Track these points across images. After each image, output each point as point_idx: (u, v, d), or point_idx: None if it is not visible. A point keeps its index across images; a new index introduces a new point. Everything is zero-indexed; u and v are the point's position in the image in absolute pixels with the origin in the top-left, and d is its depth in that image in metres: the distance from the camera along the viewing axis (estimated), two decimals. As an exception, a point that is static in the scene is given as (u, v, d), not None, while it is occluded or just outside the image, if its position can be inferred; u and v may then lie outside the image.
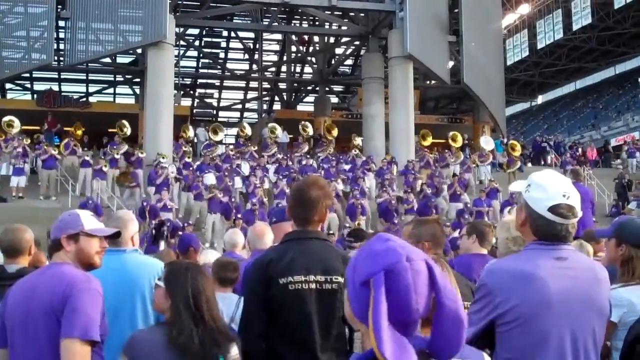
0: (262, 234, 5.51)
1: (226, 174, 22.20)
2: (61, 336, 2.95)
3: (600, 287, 2.71)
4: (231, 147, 28.95)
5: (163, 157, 23.14)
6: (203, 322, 3.08)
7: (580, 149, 36.02)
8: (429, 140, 28.89)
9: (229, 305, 4.39)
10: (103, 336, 3.10)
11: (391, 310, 1.64)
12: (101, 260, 3.35)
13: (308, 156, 26.26)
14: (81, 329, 2.95)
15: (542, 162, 33.21)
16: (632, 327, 3.16)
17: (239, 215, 19.21)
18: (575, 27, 47.72)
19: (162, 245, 15.87)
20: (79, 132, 26.13)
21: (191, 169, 22.98)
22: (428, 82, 37.14)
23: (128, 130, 26.27)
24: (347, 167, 25.02)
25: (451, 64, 30.08)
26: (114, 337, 3.26)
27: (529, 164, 31.54)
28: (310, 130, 29.85)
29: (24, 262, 4.19)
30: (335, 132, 30.16)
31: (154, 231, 17.45)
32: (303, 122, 29.84)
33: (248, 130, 29.71)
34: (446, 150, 27.98)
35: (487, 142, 28.72)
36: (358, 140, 28.92)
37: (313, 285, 3.45)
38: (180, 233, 17.20)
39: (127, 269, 3.87)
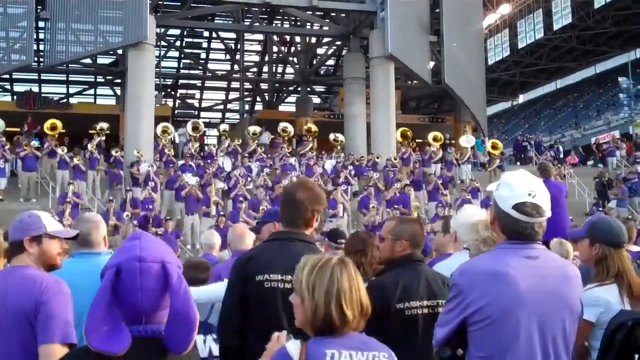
0: (242, 235, 5.52)
1: (207, 169, 22.12)
2: (39, 342, 2.92)
3: (571, 285, 2.73)
4: (213, 145, 28.96)
5: (138, 152, 23.06)
6: None
7: (559, 148, 36.26)
8: (409, 138, 28.94)
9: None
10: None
11: (120, 301, 1.92)
12: (62, 261, 3.33)
13: (289, 155, 26.25)
14: (60, 334, 2.93)
15: (522, 162, 33.36)
16: (612, 318, 3.19)
17: (222, 213, 19.23)
18: (555, 27, 48.04)
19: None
20: (56, 131, 25.86)
21: (172, 166, 22.92)
22: (409, 82, 37.18)
23: (105, 126, 26.30)
24: (329, 165, 25.03)
25: (432, 64, 30.14)
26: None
27: (517, 163, 31.77)
28: (291, 132, 29.84)
29: (-2, 265, 4.15)
30: (314, 130, 30.12)
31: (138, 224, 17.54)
32: (283, 125, 29.80)
33: (226, 127, 30.01)
34: (427, 146, 28.06)
35: (467, 141, 28.87)
36: (340, 137, 28.83)
37: (289, 285, 3.40)
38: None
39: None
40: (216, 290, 4.35)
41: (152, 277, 1.91)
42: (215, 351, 4.05)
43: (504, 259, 2.67)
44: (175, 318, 1.90)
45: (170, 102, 42.26)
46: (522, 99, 70.60)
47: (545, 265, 2.71)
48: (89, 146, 24.15)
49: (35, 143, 23.63)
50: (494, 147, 28.54)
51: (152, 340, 1.95)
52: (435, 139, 28.06)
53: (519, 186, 2.74)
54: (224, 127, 30.28)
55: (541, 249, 2.75)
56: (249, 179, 22.84)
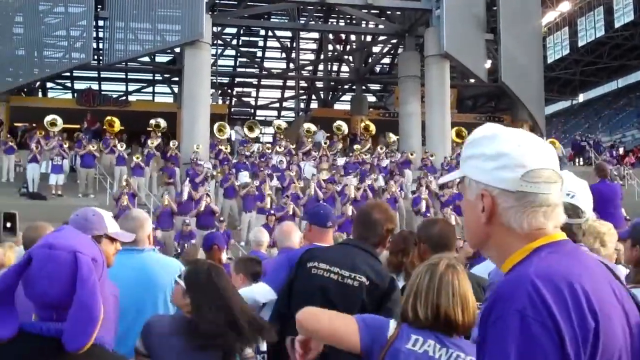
0: (290, 232, 5.53)
1: (261, 168, 22.28)
2: None
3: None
4: (267, 144, 29.08)
5: (197, 147, 23.28)
6: (228, 312, 3.16)
7: (621, 149, 35.49)
8: (465, 137, 28.61)
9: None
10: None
11: (31, 291, 1.82)
12: (113, 261, 3.34)
13: (344, 154, 26.23)
14: (99, 335, 2.93)
15: (581, 162, 32.76)
16: None
17: (272, 212, 19.31)
18: (617, 25, 46.95)
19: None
20: (115, 127, 26.32)
21: (227, 164, 23.10)
22: (465, 80, 36.83)
23: (162, 123, 26.70)
24: (384, 163, 24.94)
25: (489, 62, 29.78)
26: (136, 335, 3.27)
27: (575, 163, 31.20)
28: (345, 130, 29.83)
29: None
30: (373, 130, 30.07)
31: None
32: (337, 123, 29.82)
33: (283, 124, 30.06)
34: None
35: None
36: (393, 137, 28.72)
37: (334, 277, 3.68)
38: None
39: (148, 268, 3.88)
40: (250, 291, 4.42)
41: (61, 265, 1.80)
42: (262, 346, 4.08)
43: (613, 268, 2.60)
44: (77, 310, 1.78)
45: (226, 101, 42.63)
46: (582, 98, 69.24)
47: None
48: (149, 143, 24.49)
49: (94, 145, 23.87)
50: (552, 145, 27.98)
51: (49, 340, 1.81)
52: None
53: None
54: (278, 122, 30.38)
55: (584, 250, 2.67)
56: (301, 178, 22.94)
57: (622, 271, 2.78)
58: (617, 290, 1.57)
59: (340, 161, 24.96)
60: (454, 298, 2.49)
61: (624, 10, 45.47)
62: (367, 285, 3.61)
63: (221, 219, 19.66)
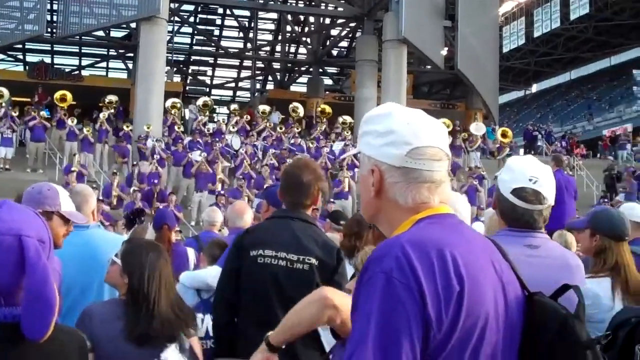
0: (242, 212, 5.48)
1: (215, 147, 22.11)
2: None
3: (573, 275, 2.65)
4: (222, 121, 28.91)
5: (148, 127, 23.02)
6: (157, 307, 3.03)
7: (570, 139, 36.03)
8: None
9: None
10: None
11: None
12: (62, 243, 3.23)
13: (298, 136, 26.10)
14: None
15: (533, 151, 33.21)
16: (616, 314, 3.09)
17: (222, 192, 19.19)
18: (572, 17, 47.55)
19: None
20: (66, 102, 25.75)
21: (181, 141, 22.88)
22: (422, 66, 37.01)
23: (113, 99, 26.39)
24: (337, 147, 24.90)
25: (446, 49, 29.94)
26: (78, 313, 3.20)
27: (521, 152, 31.52)
28: (301, 112, 29.76)
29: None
30: (329, 113, 30.05)
31: (130, 217, 17.45)
32: (294, 104, 29.74)
33: (235, 106, 29.97)
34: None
35: (478, 128, 28.64)
36: (348, 119, 28.66)
37: (283, 263, 3.45)
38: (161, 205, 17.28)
39: (93, 245, 3.75)
40: (205, 274, 4.35)
41: (4, 250, 1.74)
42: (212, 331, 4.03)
43: (503, 247, 2.58)
44: (30, 298, 1.74)
45: (182, 79, 42.21)
46: (535, 88, 70.14)
47: (547, 254, 2.61)
48: (100, 116, 24.13)
49: (44, 114, 23.62)
50: (504, 135, 28.36)
51: (6, 326, 1.76)
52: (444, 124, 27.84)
53: (521, 170, 2.65)
54: (234, 106, 30.24)
55: (543, 237, 2.65)
56: (255, 158, 22.82)
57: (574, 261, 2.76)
58: (497, 264, 1.66)
59: (336, 147, 24.90)
60: None
61: (580, 2, 46.06)
62: (317, 266, 3.46)
63: (171, 192, 19.45)
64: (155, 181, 19.61)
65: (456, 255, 1.53)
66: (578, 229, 3.77)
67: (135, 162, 21.23)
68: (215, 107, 34.27)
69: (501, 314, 1.59)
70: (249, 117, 27.70)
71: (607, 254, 3.39)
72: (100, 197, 16.38)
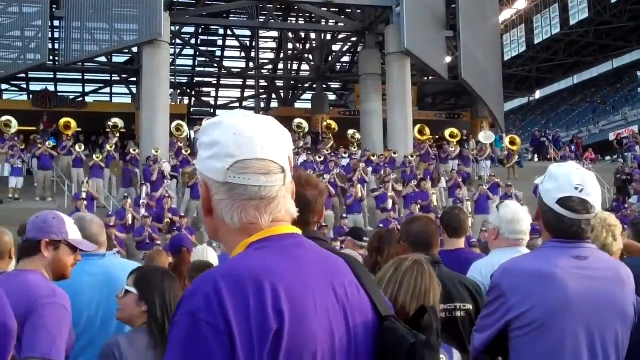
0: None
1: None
2: (22, 356, 2.67)
3: (624, 288, 2.50)
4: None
5: (156, 151, 22.99)
6: None
7: (578, 144, 35.88)
8: (426, 135, 28.72)
9: None
10: (68, 351, 2.88)
11: None
12: (70, 273, 3.11)
13: (308, 152, 25.98)
14: (43, 349, 2.69)
15: (541, 157, 33.08)
16: None
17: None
18: (572, 22, 47.59)
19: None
20: (70, 129, 25.71)
21: (187, 163, 22.81)
22: (425, 78, 36.97)
23: (118, 123, 26.35)
24: (345, 162, 24.80)
25: (449, 59, 29.89)
26: (100, 346, 3.08)
27: (535, 159, 31.44)
28: (305, 128, 29.73)
29: (3, 266, 3.96)
30: (335, 128, 30.02)
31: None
32: (297, 121, 29.72)
33: None
34: (445, 143, 27.80)
35: (487, 137, 28.50)
36: (357, 135, 28.60)
37: None
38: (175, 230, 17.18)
39: (112, 274, 3.60)
40: None
41: None
42: None
43: (551, 259, 2.46)
44: None
45: (185, 100, 42.27)
46: (538, 94, 70.13)
47: (596, 266, 2.48)
48: (107, 146, 24.03)
49: (50, 143, 23.61)
50: (512, 142, 28.26)
51: None
52: (452, 135, 27.81)
53: (565, 178, 2.51)
54: None
55: (592, 248, 2.52)
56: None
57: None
58: (340, 288, 1.52)
59: (300, 159, 24.70)
60: (413, 293, 2.48)
61: (579, 7, 46.12)
62: None
63: (181, 214, 19.34)
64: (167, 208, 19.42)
65: (278, 287, 1.41)
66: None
67: (142, 182, 21.13)
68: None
69: (340, 344, 1.47)
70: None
71: None
72: (112, 223, 16.25)
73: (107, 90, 41.31)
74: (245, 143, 1.54)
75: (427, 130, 28.80)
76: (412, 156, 25.18)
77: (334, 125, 29.99)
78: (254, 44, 41.37)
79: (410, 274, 2.52)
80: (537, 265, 2.48)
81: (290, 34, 38.74)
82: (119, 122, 26.69)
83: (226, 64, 42.53)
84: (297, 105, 41.80)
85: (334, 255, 1.64)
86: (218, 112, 44.86)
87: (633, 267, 2.66)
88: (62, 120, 25.69)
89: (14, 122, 24.76)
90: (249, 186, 1.53)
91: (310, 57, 38.91)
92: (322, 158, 24.95)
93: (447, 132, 28.22)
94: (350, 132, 28.46)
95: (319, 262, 1.55)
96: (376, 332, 1.54)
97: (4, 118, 24.74)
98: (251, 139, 1.54)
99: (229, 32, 40.57)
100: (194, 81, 43.46)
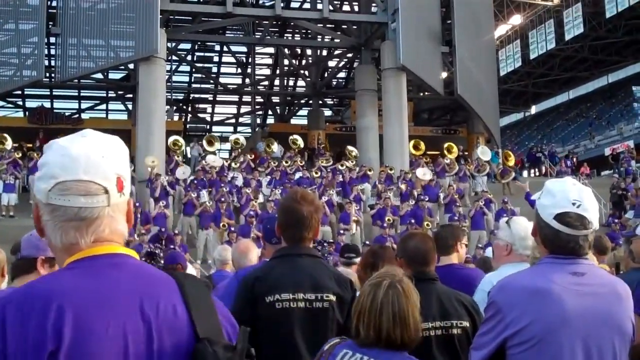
0: (246, 251, 5.33)
1: (222, 185, 22.05)
2: None
3: (621, 304, 2.49)
4: (226, 159, 28.87)
5: (152, 162, 22.98)
6: None
7: (574, 159, 35.94)
8: (422, 150, 28.77)
9: None
10: None
11: None
12: None
13: (304, 168, 25.97)
14: None
15: (537, 172, 33.09)
16: None
17: (232, 229, 19.04)
18: (567, 37, 47.76)
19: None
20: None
21: (183, 181, 22.80)
22: (421, 93, 37.04)
23: None
24: (341, 178, 24.79)
25: (444, 75, 29.95)
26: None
27: (525, 174, 31.46)
28: (300, 144, 29.76)
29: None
30: (324, 145, 30.18)
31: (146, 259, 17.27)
32: (293, 136, 29.77)
33: (242, 140, 29.86)
34: (440, 157, 27.83)
35: (483, 153, 28.52)
36: (355, 151, 28.60)
37: (302, 304, 3.27)
38: (171, 247, 17.12)
39: None
40: None
41: None
42: None
43: (548, 275, 2.44)
44: None
45: (182, 117, 42.28)
46: (534, 110, 70.29)
47: (593, 282, 2.46)
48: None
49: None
50: (506, 157, 28.33)
51: None
52: (449, 150, 27.83)
53: (562, 194, 2.50)
54: (235, 137, 30.22)
55: (589, 264, 2.50)
56: (260, 194, 22.72)
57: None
58: (151, 310, 1.52)
59: (296, 176, 24.69)
60: (394, 319, 2.48)
61: (574, 23, 46.26)
62: (335, 302, 3.29)
63: (176, 231, 19.30)
64: (163, 229, 19.34)
65: (66, 308, 1.42)
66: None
67: (138, 203, 21.05)
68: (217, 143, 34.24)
69: None
70: (253, 156, 27.63)
71: None
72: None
73: (103, 106, 41.34)
74: (69, 164, 1.57)
75: (422, 145, 28.85)
76: (408, 173, 25.15)
77: (326, 143, 30.07)
78: (250, 60, 41.48)
79: (386, 300, 2.51)
80: (534, 281, 2.45)
81: (286, 50, 38.84)
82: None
83: (222, 80, 42.65)
84: (293, 121, 41.85)
85: (161, 276, 1.64)
86: (214, 128, 45.00)
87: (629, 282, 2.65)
88: (58, 137, 25.58)
89: (9, 140, 24.76)
90: (68, 207, 1.56)
91: (306, 73, 39.01)
92: (319, 174, 24.95)
93: (445, 146, 28.46)
94: (350, 147, 28.54)
95: (130, 283, 1.56)
96: (189, 354, 1.54)
97: (-2, 135, 24.77)
98: (76, 160, 1.58)
99: (225, 49, 40.71)
100: (190, 97, 43.49)
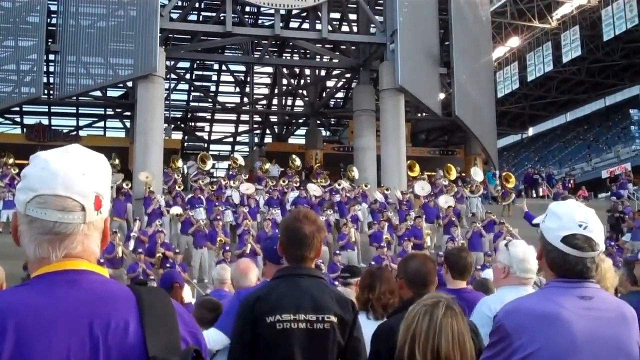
0: (247, 270, 5.29)
1: (217, 204, 22.00)
2: None
3: (629, 328, 2.46)
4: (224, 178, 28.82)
5: (147, 178, 22.96)
6: None
7: (571, 181, 35.95)
8: (416, 171, 28.81)
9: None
10: None
11: None
12: None
13: (301, 188, 25.90)
14: None
15: (535, 194, 33.08)
16: None
17: (228, 248, 18.94)
18: (565, 60, 47.94)
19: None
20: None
21: (179, 198, 22.73)
22: (419, 114, 37.11)
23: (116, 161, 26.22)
24: (338, 197, 24.73)
25: (442, 96, 30.01)
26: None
27: (528, 196, 31.47)
28: (298, 164, 29.77)
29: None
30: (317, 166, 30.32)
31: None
32: (292, 156, 29.78)
33: (241, 161, 29.81)
34: (438, 176, 27.89)
35: (476, 173, 28.53)
36: (355, 172, 28.52)
37: (303, 325, 3.22)
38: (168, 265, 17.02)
39: None
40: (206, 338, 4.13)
41: None
42: None
43: (556, 299, 2.41)
44: None
45: (179, 135, 42.30)
46: (531, 131, 70.41)
47: (601, 306, 2.43)
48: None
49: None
50: (506, 179, 28.34)
51: None
52: (448, 171, 27.86)
53: (568, 216, 2.47)
54: (234, 156, 30.23)
55: (595, 288, 2.47)
56: (257, 214, 22.67)
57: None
58: (101, 329, 1.52)
59: (292, 195, 24.60)
60: (453, 342, 2.39)
61: (572, 45, 46.45)
62: (337, 324, 3.24)
63: (177, 250, 19.20)
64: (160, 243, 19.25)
65: (8, 326, 1.44)
66: None
67: (136, 218, 20.98)
68: (214, 162, 34.25)
69: None
70: (248, 176, 27.58)
71: None
72: (101, 259, 16.07)
73: (101, 124, 41.35)
74: (48, 178, 1.60)
75: (417, 167, 28.88)
76: (405, 194, 25.13)
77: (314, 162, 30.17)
78: (248, 79, 41.59)
79: (446, 320, 2.44)
80: (542, 306, 2.42)
81: (284, 70, 38.94)
82: (116, 160, 26.47)
83: (220, 99, 42.73)
84: (291, 140, 41.88)
85: (121, 293, 1.63)
86: (212, 146, 45.01)
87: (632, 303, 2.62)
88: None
89: (12, 158, 24.84)
90: (44, 220, 1.58)
91: (305, 92, 39.07)
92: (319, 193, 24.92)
93: (444, 167, 28.58)
94: (351, 167, 28.57)
95: (81, 302, 1.56)
96: None
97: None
98: (55, 174, 1.60)
99: (223, 67, 40.81)
100: (188, 116, 43.55)
